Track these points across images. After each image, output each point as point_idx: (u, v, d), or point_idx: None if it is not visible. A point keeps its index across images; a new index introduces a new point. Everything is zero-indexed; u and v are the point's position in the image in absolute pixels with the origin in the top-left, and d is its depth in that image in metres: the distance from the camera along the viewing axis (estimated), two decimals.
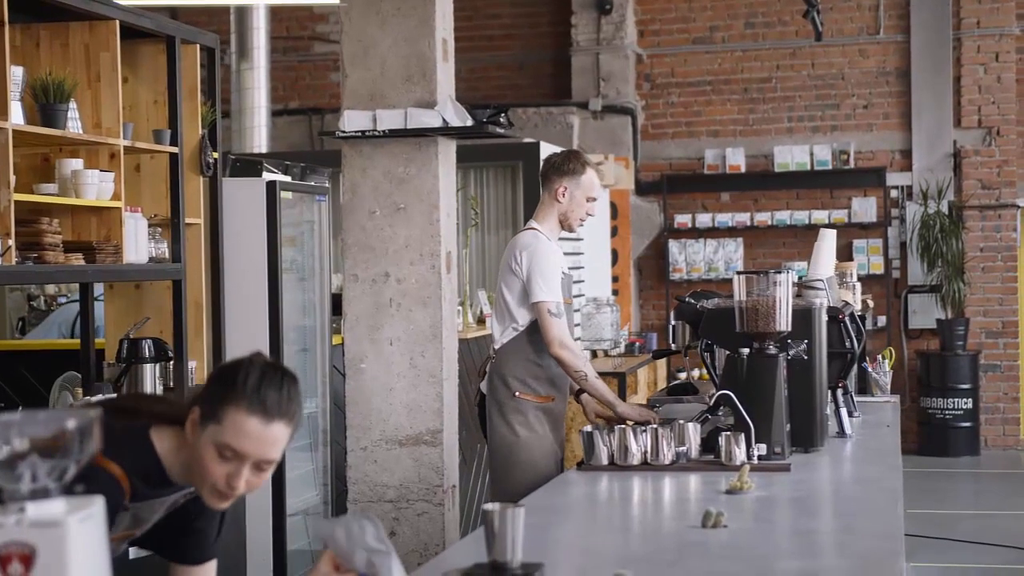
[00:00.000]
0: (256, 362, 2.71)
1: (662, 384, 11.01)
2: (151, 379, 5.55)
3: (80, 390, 5.58)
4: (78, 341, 5.92)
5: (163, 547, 3.01)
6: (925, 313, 12.85)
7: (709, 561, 3.07)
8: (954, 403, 12.48)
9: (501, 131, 6.17)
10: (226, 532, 5.58)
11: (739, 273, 4.55)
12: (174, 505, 2.86)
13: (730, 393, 4.39)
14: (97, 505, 1.82)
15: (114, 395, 4.65)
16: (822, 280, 5.33)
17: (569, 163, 5.48)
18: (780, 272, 4.51)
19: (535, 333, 5.30)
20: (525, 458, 5.31)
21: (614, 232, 12.64)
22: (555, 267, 5.33)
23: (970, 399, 12.51)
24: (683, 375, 12.36)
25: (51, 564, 1.74)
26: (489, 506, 2.77)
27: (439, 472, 5.88)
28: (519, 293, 5.32)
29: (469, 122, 5.90)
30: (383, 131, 5.85)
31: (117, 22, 5.38)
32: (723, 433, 4.32)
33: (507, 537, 2.75)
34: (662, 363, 11.58)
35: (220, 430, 2.63)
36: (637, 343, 11.38)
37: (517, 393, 5.34)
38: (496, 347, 5.46)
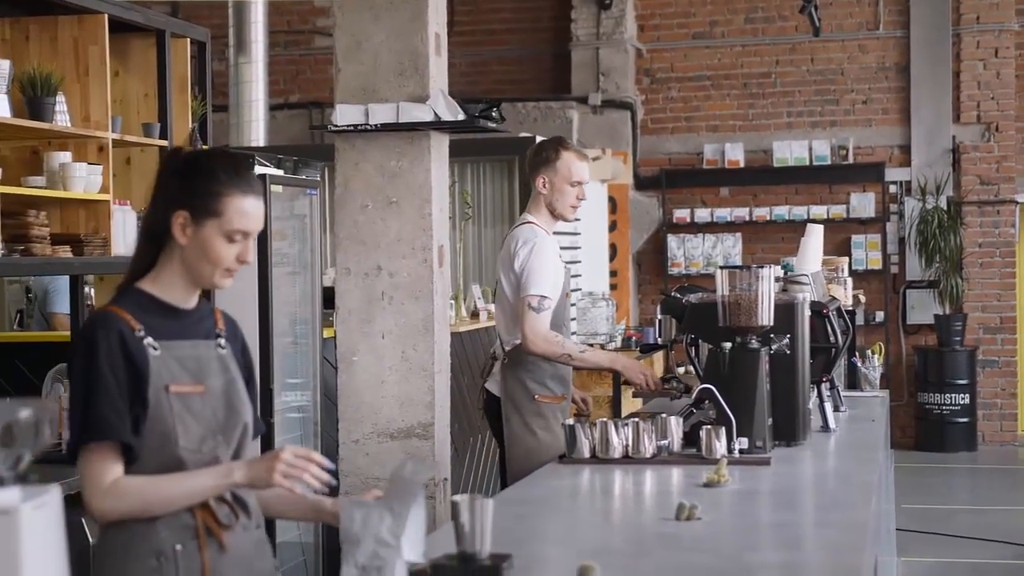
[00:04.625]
0: (216, 153, 3.00)
1: None
2: None
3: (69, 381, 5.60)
4: (69, 334, 5.94)
5: None
6: (923, 308, 12.85)
7: (679, 553, 3.08)
8: (951, 398, 12.49)
9: (493, 125, 6.18)
10: None
11: (722, 267, 4.56)
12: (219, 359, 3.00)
13: (712, 387, 4.41)
14: (52, 494, 1.84)
15: None
16: (807, 275, 5.34)
17: (542, 152, 5.45)
18: (763, 267, 4.51)
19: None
20: (545, 461, 5.18)
21: (613, 227, 12.66)
22: (551, 263, 5.27)
23: (967, 394, 12.52)
24: (681, 370, 12.36)
25: (4, 552, 1.76)
26: (457, 498, 2.78)
27: (430, 465, 5.90)
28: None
29: (461, 116, 5.91)
30: (375, 125, 5.87)
31: (106, 16, 5.40)
32: (704, 427, 4.33)
33: (475, 528, 2.77)
34: (659, 357, 11.58)
35: (223, 222, 2.87)
36: (635, 337, 11.38)
37: (536, 396, 5.29)
38: (507, 348, 5.36)
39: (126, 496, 2.82)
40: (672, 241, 13.19)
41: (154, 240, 2.94)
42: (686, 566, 2.96)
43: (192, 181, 2.90)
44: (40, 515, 1.80)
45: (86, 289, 6.15)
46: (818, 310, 5.08)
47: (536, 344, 5.18)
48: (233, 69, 11.09)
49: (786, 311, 4.64)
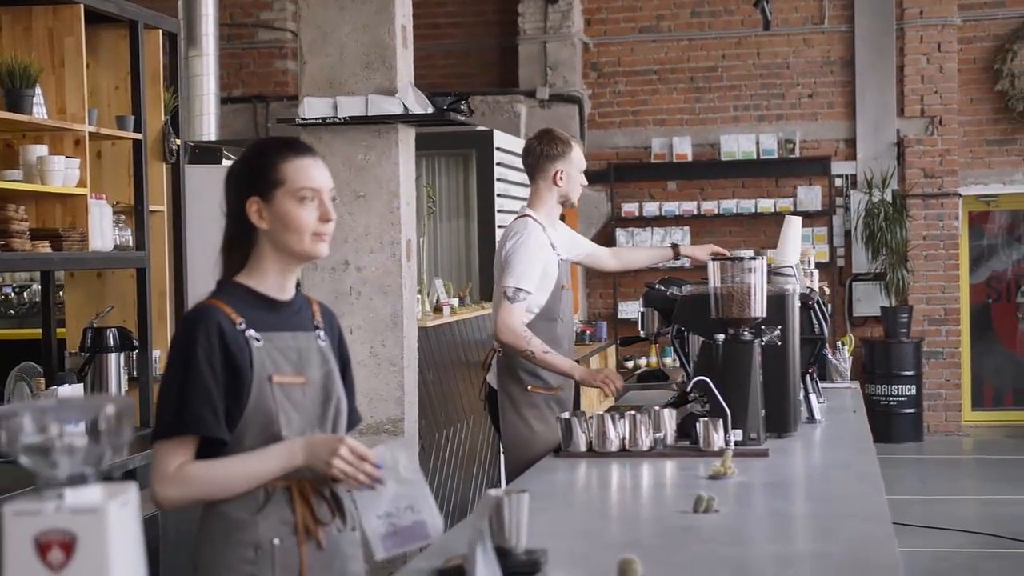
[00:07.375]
0: (264, 138, 3.15)
1: None
2: (115, 368, 5.48)
3: (42, 380, 5.49)
4: (39, 331, 5.82)
5: None
6: (869, 301, 12.97)
7: (707, 545, 3.07)
8: (898, 390, 12.62)
9: (462, 119, 6.15)
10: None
11: (714, 259, 4.56)
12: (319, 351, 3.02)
13: (707, 379, 4.40)
14: (132, 491, 1.79)
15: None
16: (791, 266, 5.36)
17: (557, 146, 5.45)
18: (755, 258, 4.52)
19: (541, 323, 5.24)
20: (541, 452, 5.11)
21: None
22: (537, 256, 5.25)
23: (913, 386, 12.66)
24: (630, 364, 12.41)
25: (92, 550, 1.72)
26: (494, 492, 2.76)
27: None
28: None
29: (430, 109, 5.88)
30: (343, 118, 5.81)
31: (81, 6, 5.29)
32: (701, 419, 4.33)
33: (512, 522, 2.75)
34: (611, 351, 11.63)
35: (288, 186, 2.93)
36: (588, 332, 11.41)
37: (529, 387, 5.28)
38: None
39: (188, 483, 2.84)
40: (621, 235, 13.21)
41: (242, 240, 2.98)
42: (721, 558, 2.95)
43: (251, 168, 2.98)
44: (125, 512, 1.76)
45: None
46: (804, 301, 5.10)
47: (503, 334, 5.16)
48: (184, 62, 10.94)
49: (777, 302, 4.65)
